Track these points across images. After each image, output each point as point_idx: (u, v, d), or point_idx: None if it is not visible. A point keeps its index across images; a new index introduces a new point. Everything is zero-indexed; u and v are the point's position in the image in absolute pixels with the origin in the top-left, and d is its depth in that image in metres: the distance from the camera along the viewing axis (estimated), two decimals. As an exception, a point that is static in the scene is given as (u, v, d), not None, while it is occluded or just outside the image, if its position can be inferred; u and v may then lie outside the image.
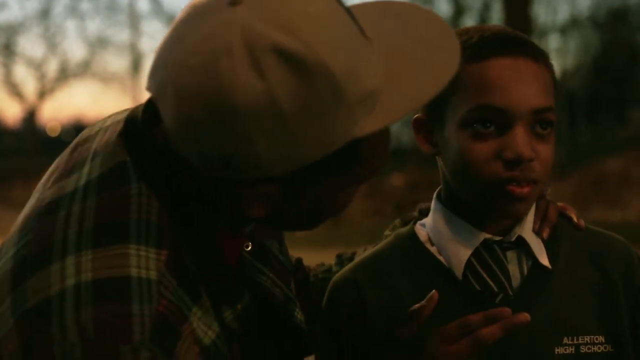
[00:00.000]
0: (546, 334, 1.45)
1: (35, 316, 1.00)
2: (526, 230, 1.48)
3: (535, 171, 1.40)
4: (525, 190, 1.40)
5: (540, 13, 30.09)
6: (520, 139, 1.38)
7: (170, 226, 1.07)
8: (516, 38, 1.45)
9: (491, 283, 1.45)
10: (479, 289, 1.46)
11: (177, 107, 1.01)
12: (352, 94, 1.01)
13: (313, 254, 13.00)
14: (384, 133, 1.12)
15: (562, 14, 41.85)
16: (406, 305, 1.42)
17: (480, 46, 1.42)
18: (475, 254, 1.47)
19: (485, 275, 1.46)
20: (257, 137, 1.00)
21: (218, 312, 1.11)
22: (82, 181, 1.10)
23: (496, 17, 30.51)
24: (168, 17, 32.84)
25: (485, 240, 1.46)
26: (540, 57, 1.45)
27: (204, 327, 1.05)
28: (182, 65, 0.99)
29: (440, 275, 1.49)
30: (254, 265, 1.30)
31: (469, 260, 1.47)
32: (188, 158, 1.06)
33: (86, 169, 1.10)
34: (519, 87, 1.39)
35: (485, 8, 32.60)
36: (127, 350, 0.96)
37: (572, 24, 31.03)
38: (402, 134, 55.82)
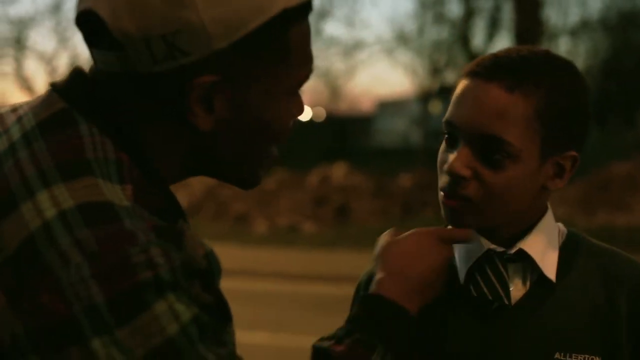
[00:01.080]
0: (539, 346, 1.50)
1: (20, 259, 0.98)
2: (531, 243, 1.52)
3: (469, 190, 1.46)
4: (453, 203, 1.48)
5: (551, 15, 30.06)
6: (457, 155, 1.47)
7: (128, 164, 1.07)
8: (507, 64, 1.46)
9: (486, 291, 1.51)
10: (475, 295, 1.53)
11: (129, 3, 1.04)
12: None
13: (322, 254, 13.05)
14: (307, 29, 1.16)
15: (573, 17, 41.65)
16: None
17: (472, 65, 1.54)
18: (476, 263, 1.54)
19: (482, 284, 1.52)
20: (200, 1, 1.02)
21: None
22: (16, 136, 1.09)
23: (507, 18, 30.49)
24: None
25: (488, 251, 1.52)
26: (519, 88, 1.44)
27: (197, 238, 1.09)
28: None
29: (451, 277, 1.56)
30: None
31: (470, 268, 1.54)
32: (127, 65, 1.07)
33: (14, 129, 1.09)
34: (469, 108, 1.46)
35: (496, 10, 32.55)
36: (137, 251, 0.97)
37: (583, 27, 30.98)
38: (410, 134, 55.57)
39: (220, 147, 1.14)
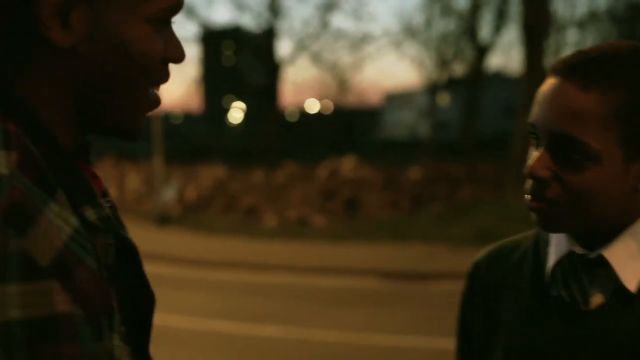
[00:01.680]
0: (608, 357, 1.45)
1: None
2: (616, 249, 1.47)
3: (551, 192, 1.43)
4: (536, 205, 1.45)
5: (559, 7, 30.04)
6: (534, 156, 1.44)
7: (16, 133, 1.05)
8: (583, 62, 1.41)
9: (564, 294, 1.51)
10: (555, 295, 1.52)
11: None
12: None
13: (332, 247, 13.13)
14: None
15: (581, 8, 41.60)
16: (507, 292, 1.60)
17: (555, 62, 1.48)
18: (559, 263, 1.53)
19: (561, 285, 1.52)
20: None
21: (76, 209, 1.08)
22: None
23: (514, 10, 30.47)
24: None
25: (570, 253, 1.51)
26: (594, 87, 1.38)
27: (61, 223, 1.02)
28: None
29: (539, 271, 1.57)
30: (116, 217, 1.27)
31: (553, 269, 1.54)
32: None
33: None
34: (547, 108, 1.42)
35: (504, 2, 32.51)
36: None
37: (591, 19, 30.96)
38: (418, 126, 55.42)
39: (89, 74, 1.12)
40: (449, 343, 8.61)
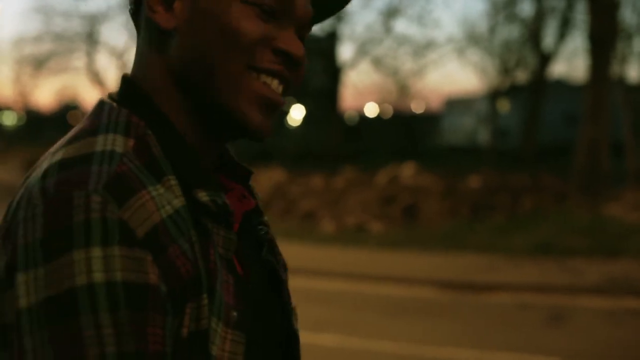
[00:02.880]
0: None
1: (9, 209, 1.10)
2: None
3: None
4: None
5: (626, 15, 29.59)
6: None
7: (137, 124, 1.14)
8: None
9: None
10: None
11: None
12: None
13: (389, 254, 13.06)
14: None
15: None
16: None
17: None
18: None
19: None
20: None
21: (187, 191, 1.13)
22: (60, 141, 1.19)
23: (580, 18, 30.07)
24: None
25: None
26: None
27: (162, 201, 1.07)
28: None
29: None
30: (266, 242, 1.33)
31: None
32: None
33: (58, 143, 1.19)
34: None
35: (569, 9, 32.11)
36: (80, 195, 1.01)
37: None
38: (478, 132, 54.97)
39: (192, 54, 1.17)
40: (505, 358, 8.48)
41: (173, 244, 1.05)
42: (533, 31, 33.95)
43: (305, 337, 8.10)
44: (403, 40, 36.05)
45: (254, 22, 1.16)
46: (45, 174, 1.06)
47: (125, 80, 1.23)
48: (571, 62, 58.26)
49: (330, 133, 36.32)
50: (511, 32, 35.77)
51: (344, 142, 38.96)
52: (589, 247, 14.45)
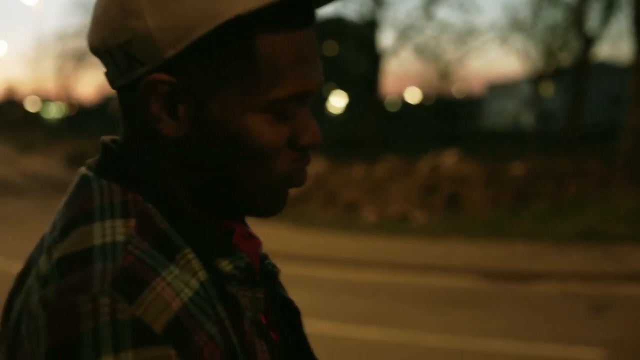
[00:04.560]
0: None
1: (14, 324, 1.04)
2: None
3: None
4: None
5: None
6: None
7: (135, 200, 1.07)
8: None
9: None
10: None
11: (96, 17, 1.10)
12: None
13: (432, 244, 13.02)
14: (286, 42, 1.07)
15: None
16: None
17: None
18: None
19: None
20: (147, 9, 1.03)
21: (208, 263, 1.07)
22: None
23: (625, 1, 29.69)
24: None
25: None
26: None
27: (180, 285, 1.00)
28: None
29: None
30: (274, 276, 1.29)
31: None
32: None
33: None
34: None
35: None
36: (86, 299, 0.94)
37: None
38: (521, 116, 54.56)
39: (203, 162, 1.10)
40: (549, 349, 8.42)
41: (199, 331, 0.98)
42: (577, 15, 33.62)
43: (348, 330, 8.14)
44: (444, 27, 35.75)
45: (274, 132, 1.09)
46: (44, 280, 1.01)
47: (108, 149, 1.15)
48: (616, 45, 57.53)
49: (371, 119, 36.27)
50: (554, 16, 35.45)
51: (385, 128, 38.91)
52: (634, 234, 14.31)
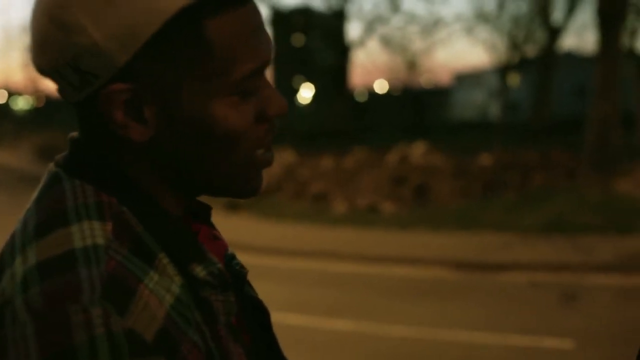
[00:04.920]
0: None
1: None
2: None
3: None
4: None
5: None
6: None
7: (110, 202, 1.06)
8: None
9: None
10: None
11: (36, 40, 1.07)
12: None
13: (401, 235, 13.08)
14: (234, 21, 1.06)
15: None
16: None
17: None
18: None
19: None
20: (87, 23, 1.01)
21: (184, 268, 1.06)
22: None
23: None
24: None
25: None
26: None
27: (161, 291, 1.00)
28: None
29: None
30: (242, 277, 1.26)
31: None
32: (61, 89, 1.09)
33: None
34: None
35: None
36: (77, 309, 0.93)
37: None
38: (489, 107, 54.81)
39: (178, 157, 1.09)
40: (519, 340, 8.51)
41: (184, 339, 0.99)
42: (542, 6, 33.81)
43: (320, 322, 8.17)
44: (411, 19, 35.81)
45: (241, 112, 1.09)
46: (25, 283, 0.98)
47: (78, 145, 1.13)
48: (581, 36, 57.95)
49: (340, 111, 36.29)
50: (520, 7, 35.66)
51: (353, 119, 38.94)
52: (601, 224, 14.46)
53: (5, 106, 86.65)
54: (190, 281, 1.06)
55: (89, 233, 1.01)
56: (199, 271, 1.07)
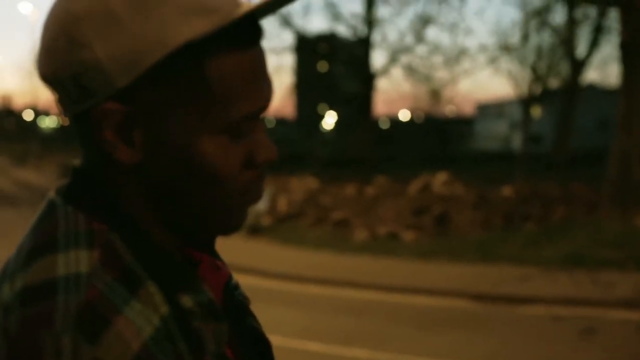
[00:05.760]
0: None
1: None
2: None
3: None
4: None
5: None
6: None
7: (101, 230, 1.05)
8: None
9: None
10: None
11: (44, 47, 1.08)
12: None
13: (421, 264, 13.07)
14: (236, 63, 1.06)
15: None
16: None
17: None
18: None
19: None
20: (94, 41, 1.02)
21: (172, 297, 1.05)
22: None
23: (613, 26, 29.90)
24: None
25: None
26: None
27: (141, 322, 0.98)
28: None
29: None
30: (244, 307, 1.27)
31: None
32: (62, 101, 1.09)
33: None
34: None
35: (602, 16, 31.91)
36: (48, 337, 0.93)
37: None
38: (511, 137, 54.56)
39: (162, 185, 1.09)
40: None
41: None
42: (565, 38, 33.80)
43: (336, 349, 8.20)
44: (435, 49, 35.80)
45: (229, 155, 1.09)
46: (6, 309, 0.99)
47: (77, 173, 1.14)
48: (604, 69, 57.79)
49: (363, 138, 36.31)
50: (543, 39, 35.62)
51: (376, 147, 38.94)
52: (621, 259, 14.39)
53: (32, 125, 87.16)
54: (178, 311, 1.05)
55: (73, 261, 1.01)
56: (186, 301, 1.06)
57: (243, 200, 1.12)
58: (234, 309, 1.23)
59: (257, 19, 1.09)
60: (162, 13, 1.02)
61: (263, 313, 11.18)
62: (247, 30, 1.07)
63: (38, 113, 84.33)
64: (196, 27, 1.02)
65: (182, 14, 1.03)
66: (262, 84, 1.07)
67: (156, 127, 1.05)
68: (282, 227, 20.32)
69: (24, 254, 1.04)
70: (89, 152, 1.11)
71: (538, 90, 37.76)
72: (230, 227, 1.14)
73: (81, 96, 1.05)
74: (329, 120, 55.52)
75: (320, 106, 52.09)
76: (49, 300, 0.96)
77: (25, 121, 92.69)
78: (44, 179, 40.69)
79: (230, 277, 1.23)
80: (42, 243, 1.04)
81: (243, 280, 14.80)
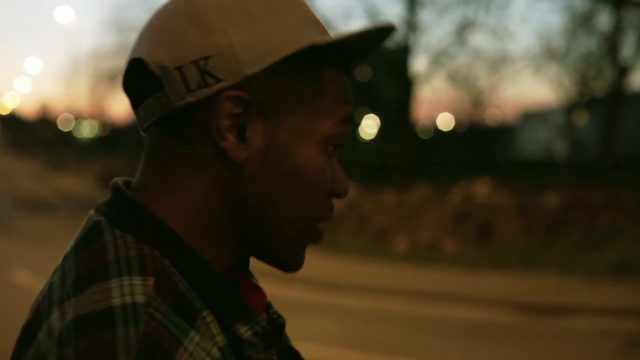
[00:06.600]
0: None
1: None
2: None
3: None
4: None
5: None
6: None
7: (152, 256, 1.03)
8: None
9: None
10: None
11: (159, 34, 1.09)
12: None
13: (463, 274, 12.95)
14: (340, 80, 1.13)
15: None
16: None
17: None
18: None
19: None
20: (228, 27, 1.05)
21: (229, 327, 1.04)
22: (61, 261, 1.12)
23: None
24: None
25: None
26: None
27: (201, 354, 0.97)
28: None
29: None
30: (281, 327, 1.27)
31: None
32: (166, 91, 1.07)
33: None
34: None
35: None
36: None
37: None
38: (555, 145, 54.20)
39: (252, 196, 1.08)
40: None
41: None
42: (611, 43, 33.48)
43: (375, 359, 8.00)
44: (477, 54, 35.62)
45: (326, 168, 1.12)
46: (60, 340, 0.96)
47: (120, 192, 1.11)
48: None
49: (403, 145, 36.21)
50: (588, 45, 35.32)
51: (417, 154, 38.85)
52: (669, 269, 14.15)
53: (70, 133, 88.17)
54: (233, 341, 1.03)
55: (128, 290, 0.98)
56: (244, 332, 1.05)
57: (314, 230, 1.14)
58: (272, 328, 1.21)
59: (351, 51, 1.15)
60: (292, 18, 1.08)
61: (300, 324, 11.09)
62: (350, 58, 1.15)
63: (76, 121, 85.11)
64: (319, 36, 1.09)
65: (308, 24, 1.10)
66: (350, 111, 1.13)
67: (269, 125, 1.07)
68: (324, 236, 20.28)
69: (72, 281, 1.02)
70: (163, 160, 1.09)
71: (583, 96, 37.47)
72: (292, 262, 1.15)
73: (201, 82, 1.05)
74: (370, 127, 55.55)
75: (361, 112, 52.20)
76: (106, 332, 0.93)
77: (62, 129, 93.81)
78: (81, 187, 41.05)
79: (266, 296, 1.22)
80: (90, 269, 1.01)
81: (283, 290, 14.74)
